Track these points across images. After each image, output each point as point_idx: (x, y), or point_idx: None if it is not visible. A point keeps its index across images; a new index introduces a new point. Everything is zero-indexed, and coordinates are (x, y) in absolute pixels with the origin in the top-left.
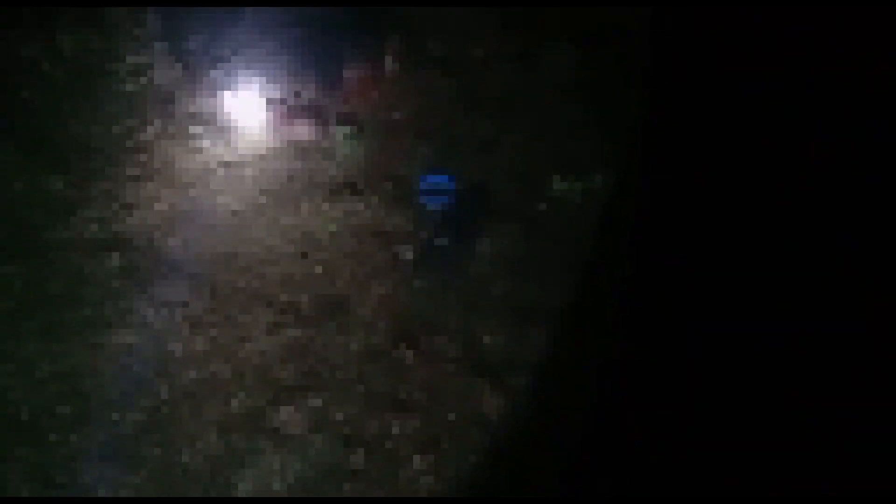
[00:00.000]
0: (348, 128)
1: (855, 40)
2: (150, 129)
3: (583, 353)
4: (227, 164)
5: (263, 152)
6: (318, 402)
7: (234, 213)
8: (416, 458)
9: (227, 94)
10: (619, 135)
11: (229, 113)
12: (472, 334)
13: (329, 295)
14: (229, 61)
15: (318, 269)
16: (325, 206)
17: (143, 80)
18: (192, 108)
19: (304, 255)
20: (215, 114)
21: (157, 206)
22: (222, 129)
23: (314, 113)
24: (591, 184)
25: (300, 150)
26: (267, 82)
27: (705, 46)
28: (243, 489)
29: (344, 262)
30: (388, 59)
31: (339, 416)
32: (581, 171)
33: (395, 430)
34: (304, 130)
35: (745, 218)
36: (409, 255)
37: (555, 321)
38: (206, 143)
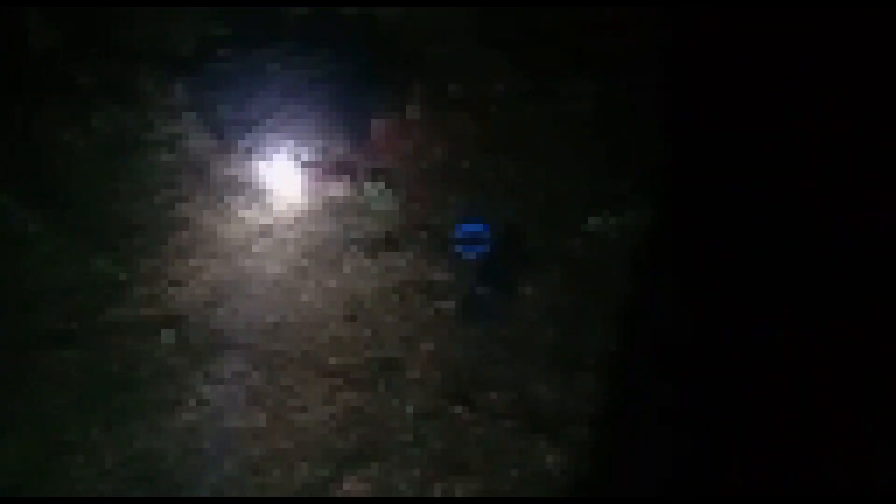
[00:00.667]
0: (380, 181)
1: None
2: (189, 201)
3: (635, 397)
4: (267, 230)
5: (300, 214)
6: (379, 470)
7: (279, 278)
8: None
9: (259, 158)
10: (648, 166)
11: (264, 178)
12: (523, 385)
13: (379, 357)
14: (259, 126)
15: (366, 330)
16: (366, 262)
17: (177, 151)
18: (227, 176)
19: (352, 318)
20: (250, 180)
21: (203, 279)
22: (259, 195)
23: (346, 170)
24: (625, 219)
25: (336, 208)
26: (297, 144)
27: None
28: None
29: (390, 320)
30: (411, 108)
31: (402, 484)
32: (614, 206)
33: (459, 492)
34: (337, 188)
35: (784, 246)
36: (453, 307)
37: (603, 365)
38: (244, 211)
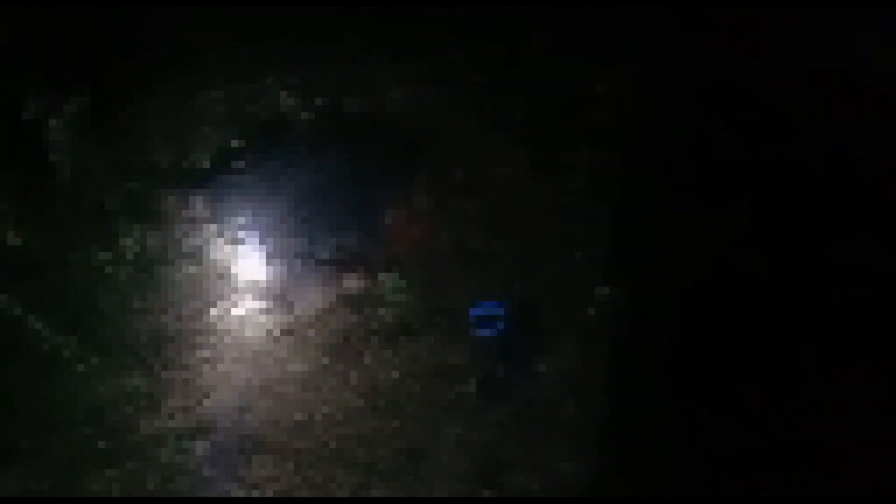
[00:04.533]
0: (394, 271)
1: None
2: (213, 310)
3: (658, 460)
4: (288, 330)
5: (320, 311)
6: None
7: (303, 376)
8: None
9: (277, 261)
10: (654, 231)
11: (283, 279)
12: (550, 465)
13: (404, 445)
14: (275, 230)
15: (391, 421)
16: (386, 352)
17: (199, 261)
18: (248, 281)
19: (376, 409)
20: (270, 282)
21: (231, 385)
22: (279, 296)
23: (360, 263)
24: (638, 285)
25: (353, 301)
26: (312, 243)
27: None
28: None
29: (413, 407)
30: (419, 197)
31: None
32: (624, 273)
33: None
34: (353, 282)
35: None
36: (474, 390)
37: (625, 434)
38: (266, 313)
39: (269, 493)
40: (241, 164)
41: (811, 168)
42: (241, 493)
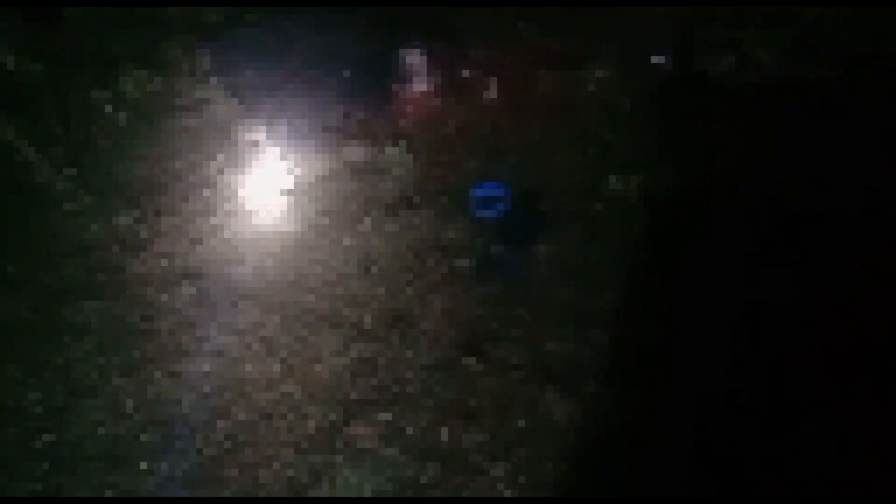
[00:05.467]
0: (400, 145)
1: None
2: (211, 164)
3: (646, 354)
4: (287, 191)
5: (320, 176)
6: (388, 416)
7: (297, 236)
8: (491, 467)
9: (282, 123)
10: (671, 128)
11: (286, 141)
12: (536, 341)
13: (393, 310)
14: (282, 91)
15: (381, 286)
16: (384, 222)
17: (202, 115)
18: (250, 139)
19: (367, 274)
20: (273, 143)
21: (223, 237)
22: (280, 157)
23: (366, 134)
24: (647, 179)
25: (355, 170)
26: (319, 108)
27: None
28: None
29: (405, 276)
30: (434, 72)
31: (411, 430)
32: (636, 168)
33: (467, 442)
34: (358, 152)
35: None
36: (468, 266)
37: (616, 323)
38: (265, 172)
39: (253, 340)
40: (252, 22)
41: None
42: (222, 339)
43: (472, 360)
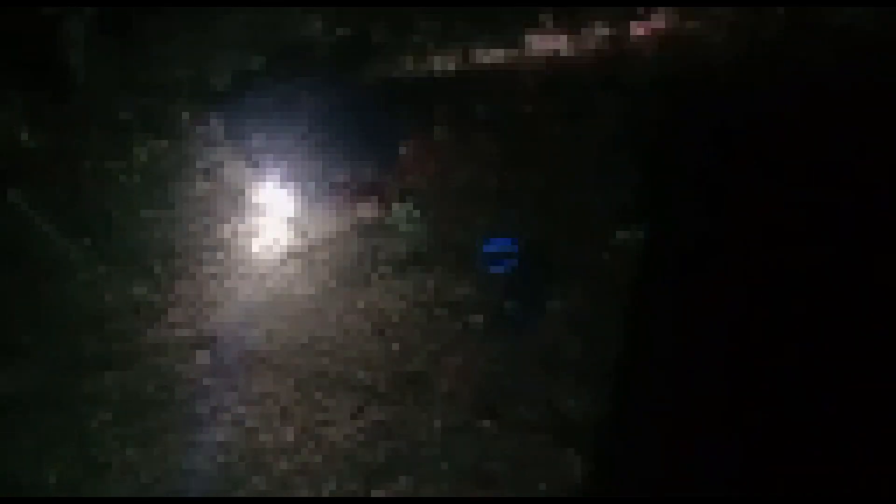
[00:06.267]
0: (408, 202)
1: None
2: (224, 227)
3: (662, 407)
4: (298, 252)
5: (331, 236)
6: (406, 483)
7: (309, 298)
8: None
9: (292, 184)
10: (675, 178)
11: (296, 202)
12: (551, 398)
13: (407, 371)
14: (291, 153)
15: (395, 346)
16: (395, 281)
17: (213, 179)
18: (260, 202)
19: (380, 334)
20: (283, 205)
21: (237, 301)
22: (291, 219)
23: (375, 191)
24: (655, 230)
25: (365, 229)
26: (327, 168)
27: None
28: None
29: (417, 335)
30: (440, 129)
31: (430, 496)
32: (641, 219)
33: None
34: (366, 210)
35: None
36: (481, 323)
37: (629, 377)
38: (277, 235)
39: (268, 408)
40: (260, 86)
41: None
42: (238, 407)
43: (487, 422)
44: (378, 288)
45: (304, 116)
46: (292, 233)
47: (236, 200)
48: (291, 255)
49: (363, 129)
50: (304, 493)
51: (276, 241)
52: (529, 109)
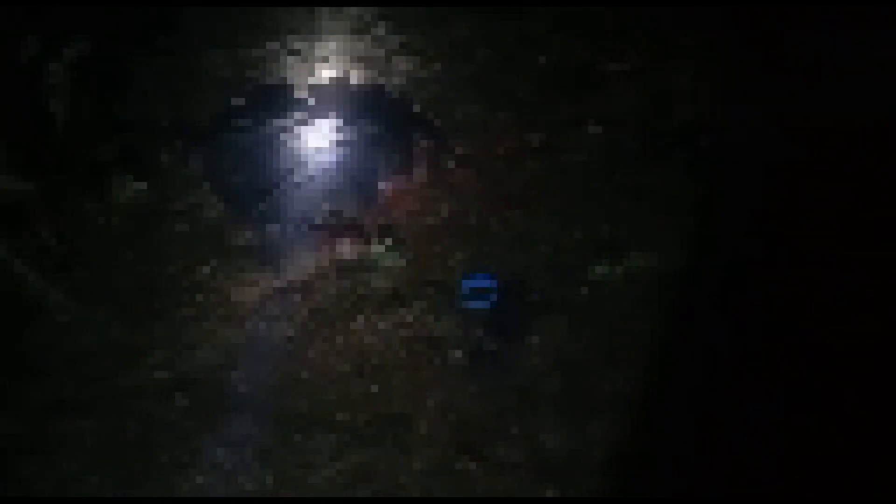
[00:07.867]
0: (388, 240)
1: None
2: (203, 268)
3: (644, 443)
4: (277, 292)
5: (310, 275)
6: None
7: (290, 339)
8: None
9: (271, 224)
10: (655, 211)
11: (275, 242)
12: (532, 436)
13: (387, 413)
14: (271, 193)
15: (374, 386)
16: (374, 319)
17: (192, 219)
18: (240, 242)
19: (360, 374)
20: (263, 244)
21: (216, 342)
22: (270, 259)
23: (354, 230)
24: (632, 265)
25: (344, 267)
26: (307, 208)
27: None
28: None
29: (397, 374)
30: (418, 168)
31: None
32: (620, 253)
33: None
34: (346, 248)
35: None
36: (460, 360)
37: (611, 412)
38: (256, 275)
39: (247, 451)
40: (239, 126)
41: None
42: (217, 451)
43: (469, 463)
44: (358, 327)
45: (283, 155)
46: (272, 272)
47: (216, 241)
48: (271, 294)
49: (345, 168)
50: None
51: (255, 280)
52: (509, 147)
